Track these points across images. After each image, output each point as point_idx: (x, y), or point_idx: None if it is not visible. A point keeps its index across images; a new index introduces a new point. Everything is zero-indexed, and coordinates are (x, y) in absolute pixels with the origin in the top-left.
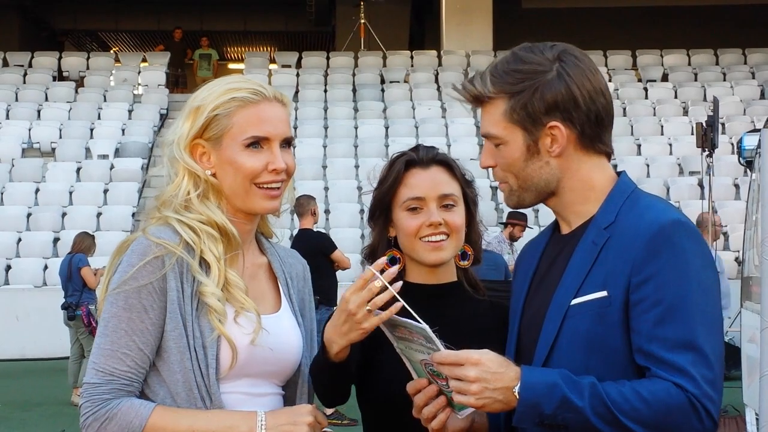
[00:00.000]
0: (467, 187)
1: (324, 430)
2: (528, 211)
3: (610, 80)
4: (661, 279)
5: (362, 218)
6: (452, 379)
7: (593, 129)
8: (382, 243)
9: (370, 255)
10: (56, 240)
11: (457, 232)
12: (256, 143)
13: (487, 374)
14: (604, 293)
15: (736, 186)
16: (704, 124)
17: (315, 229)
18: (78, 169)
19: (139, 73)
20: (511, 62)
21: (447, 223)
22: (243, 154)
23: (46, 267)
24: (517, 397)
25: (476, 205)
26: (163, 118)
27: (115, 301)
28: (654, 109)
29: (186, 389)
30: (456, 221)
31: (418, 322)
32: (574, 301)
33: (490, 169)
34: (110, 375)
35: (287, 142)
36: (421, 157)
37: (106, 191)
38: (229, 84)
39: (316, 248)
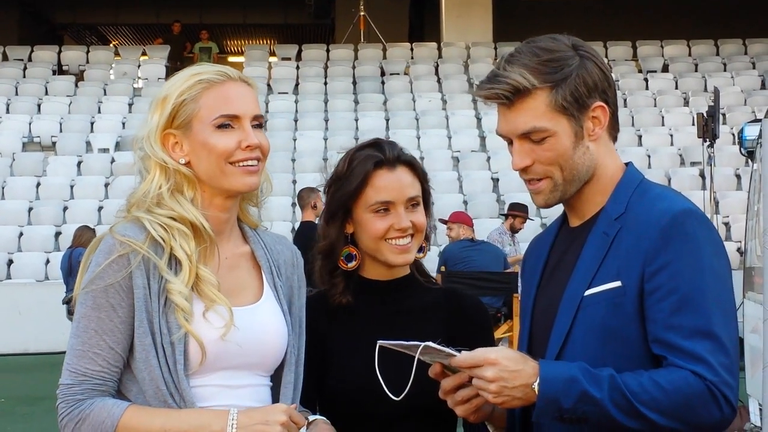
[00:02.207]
0: (425, 182)
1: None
2: (528, 203)
3: (610, 71)
4: (676, 267)
5: None
6: (474, 379)
7: (616, 108)
8: (339, 240)
9: (329, 253)
10: (58, 234)
11: (422, 231)
12: (226, 123)
13: (504, 373)
14: (618, 283)
15: (738, 176)
16: (705, 115)
17: (317, 221)
18: (79, 163)
19: (139, 66)
20: (540, 54)
21: (414, 224)
22: (214, 135)
23: (47, 261)
24: (537, 392)
25: (430, 196)
26: None
27: (84, 302)
28: (654, 99)
29: (153, 386)
30: (422, 221)
31: (417, 346)
32: (588, 292)
33: (489, 161)
34: (83, 375)
35: (258, 122)
36: (388, 157)
37: (107, 185)
38: (192, 70)
39: (316, 240)
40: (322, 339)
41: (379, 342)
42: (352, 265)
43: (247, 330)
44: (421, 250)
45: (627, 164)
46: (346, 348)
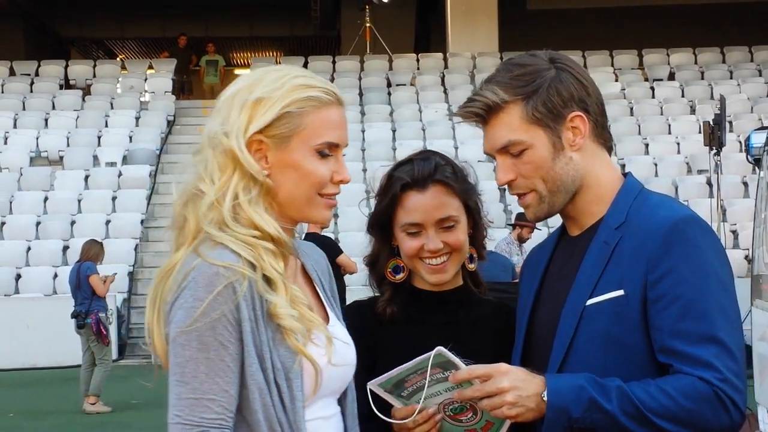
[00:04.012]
0: (468, 198)
1: None
2: None
3: (616, 80)
4: (679, 274)
5: None
6: (484, 397)
7: (602, 117)
8: (383, 252)
9: (372, 264)
10: (65, 248)
11: (459, 249)
12: (326, 152)
13: (518, 382)
14: (620, 292)
15: (745, 184)
16: (711, 123)
17: (322, 233)
18: (86, 177)
19: (146, 80)
20: (513, 70)
21: (447, 244)
22: (313, 161)
23: (55, 275)
24: (546, 401)
25: (479, 211)
26: (170, 124)
27: (188, 343)
28: (661, 108)
29: (267, 427)
30: (458, 240)
31: (427, 357)
32: (590, 302)
33: (496, 171)
34: (198, 427)
35: (343, 152)
36: (416, 179)
37: (114, 198)
38: (298, 78)
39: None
40: (371, 347)
41: (369, 385)
42: (399, 277)
43: (339, 353)
44: (471, 260)
45: (626, 174)
46: (393, 357)
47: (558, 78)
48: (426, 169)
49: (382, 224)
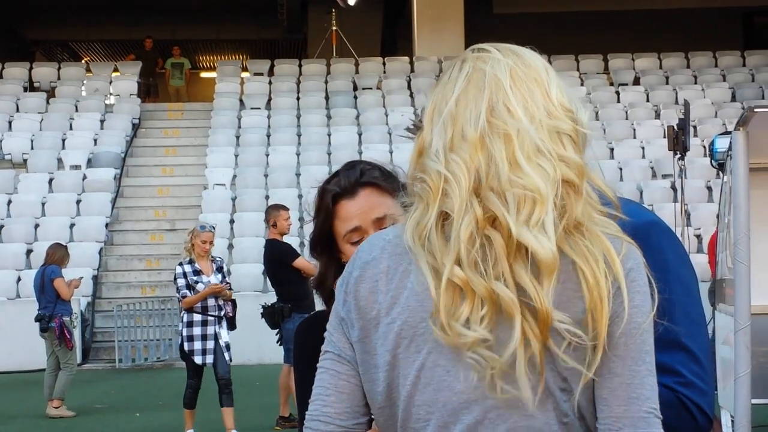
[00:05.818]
0: (400, 195)
1: None
2: None
3: (582, 84)
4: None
5: None
6: None
7: None
8: (330, 270)
9: (320, 284)
10: (29, 252)
11: None
12: None
13: None
14: None
15: (709, 188)
16: (676, 128)
17: (281, 239)
18: (50, 180)
19: (111, 82)
20: None
21: None
22: None
23: (19, 279)
24: None
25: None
26: (135, 127)
27: (651, 329)
28: (626, 112)
29: None
30: None
31: None
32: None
33: None
34: (659, 418)
35: None
36: (345, 187)
37: (78, 202)
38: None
39: (275, 259)
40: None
41: None
42: None
43: None
44: None
45: None
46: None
47: None
48: (353, 177)
49: (324, 242)
